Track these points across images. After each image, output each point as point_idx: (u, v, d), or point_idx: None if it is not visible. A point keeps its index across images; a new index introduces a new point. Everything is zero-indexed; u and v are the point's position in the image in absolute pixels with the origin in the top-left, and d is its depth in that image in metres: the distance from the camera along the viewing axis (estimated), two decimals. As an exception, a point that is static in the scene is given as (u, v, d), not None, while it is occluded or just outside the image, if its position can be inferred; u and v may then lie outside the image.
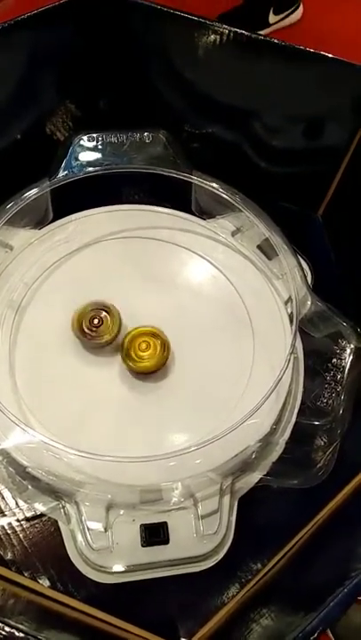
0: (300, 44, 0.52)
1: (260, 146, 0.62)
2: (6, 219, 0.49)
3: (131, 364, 0.46)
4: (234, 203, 0.50)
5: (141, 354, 0.46)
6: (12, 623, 0.29)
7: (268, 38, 0.53)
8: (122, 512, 0.42)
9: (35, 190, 0.51)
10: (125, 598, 0.43)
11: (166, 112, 0.59)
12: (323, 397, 0.43)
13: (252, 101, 0.58)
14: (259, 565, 0.45)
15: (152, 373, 0.47)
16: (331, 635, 0.60)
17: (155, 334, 0.47)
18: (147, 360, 0.46)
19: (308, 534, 0.46)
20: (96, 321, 0.47)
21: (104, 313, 0.47)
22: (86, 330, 0.47)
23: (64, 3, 0.51)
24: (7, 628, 0.29)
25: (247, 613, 0.43)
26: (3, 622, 0.29)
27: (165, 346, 0.46)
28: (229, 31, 0.52)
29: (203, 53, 0.55)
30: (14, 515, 0.45)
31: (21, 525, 0.45)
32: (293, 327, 0.45)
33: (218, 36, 0.53)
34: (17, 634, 0.29)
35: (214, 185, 0.51)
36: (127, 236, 0.56)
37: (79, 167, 0.53)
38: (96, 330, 0.47)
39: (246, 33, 0.52)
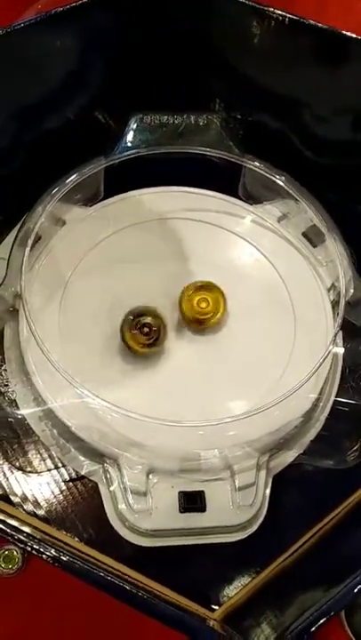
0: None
1: (308, 136, 0.62)
2: (62, 194, 0.51)
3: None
4: (283, 184, 0.51)
5: (201, 309, 0.48)
6: (58, 548, 0.31)
7: (319, 24, 0.53)
8: (161, 478, 0.44)
9: (90, 167, 0.53)
10: (159, 563, 0.44)
11: (219, 100, 0.61)
12: (367, 377, 0.44)
13: (302, 91, 0.59)
14: (290, 541, 0.46)
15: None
16: (349, 630, 0.61)
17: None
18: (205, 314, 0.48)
19: (339, 516, 0.47)
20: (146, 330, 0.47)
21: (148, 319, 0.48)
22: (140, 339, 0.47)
23: None
24: (53, 551, 0.31)
25: (278, 587, 0.44)
26: (50, 545, 0.31)
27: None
28: (284, 17, 0.53)
29: (258, 41, 0.55)
30: (57, 475, 0.47)
31: (64, 486, 0.47)
32: (339, 310, 0.46)
33: (271, 22, 0.53)
34: (62, 557, 0.31)
35: (266, 168, 0.52)
36: (174, 217, 0.57)
37: (133, 147, 0.54)
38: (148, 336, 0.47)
39: (301, 19, 0.52)
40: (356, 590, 0.36)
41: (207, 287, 0.50)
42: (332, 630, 0.60)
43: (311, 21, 0.52)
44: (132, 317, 0.48)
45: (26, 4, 0.87)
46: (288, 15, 0.51)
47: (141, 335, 0.47)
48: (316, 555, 0.45)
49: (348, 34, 0.51)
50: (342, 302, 0.47)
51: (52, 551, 0.32)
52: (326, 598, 0.36)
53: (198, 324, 0.49)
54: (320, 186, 0.64)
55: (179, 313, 0.50)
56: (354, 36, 0.51)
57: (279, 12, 0.51)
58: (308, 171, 0.64)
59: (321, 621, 0.35)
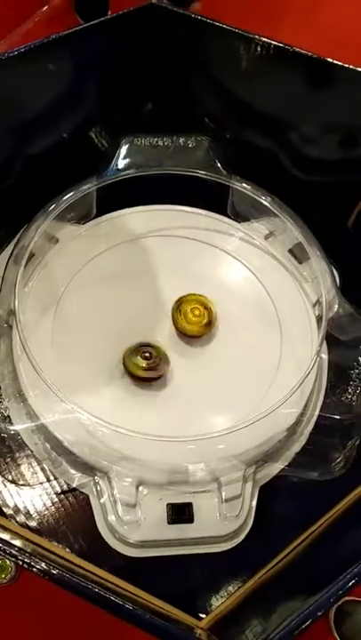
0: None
1: (295, 155, 0.65)
2: (56, 213, 0.53)
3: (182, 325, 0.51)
4: (269, 206, 0.53)
5: (194, 318, 0.51)
6: (48, 562, 0.32)
7: (305, 51, 0.55)
8: (150, 491, 0.45)
9: (83, 187, 0.54)
10: (149, 572, 0.46)
11: (207, 119, 0.63)
12: (347, 393, 0.46)
13: (290, 111, 0.61)
14: (276, 551, 0.47)
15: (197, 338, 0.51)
16: (337, 636, 0.62)
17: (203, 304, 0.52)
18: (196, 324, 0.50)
19: (324, 525, 0.48)
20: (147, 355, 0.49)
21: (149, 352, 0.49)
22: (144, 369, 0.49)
23: (112, 17, 0.55)
24: (43, 564, 0.32)
25: (263, 595, 0.45)
26: (40, 559, 0.32)
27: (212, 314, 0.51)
28: (270, 43, 0.55)
29: (246, 65, 0.58)
30: (49, 488, 0.48)
31: (55, 498, 0.48)
32: (322, 328, 0.47)
33: (259, 48, 0.56)
34: (52, 571, 0.32)
35: (251, 189, 0.53)
36: (165, 235, 0.59)
37: (124, 168, 0.56)
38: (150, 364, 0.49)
39: (286, 46, 0.54)
40: (334, 597, 0.38)
41: (198, 300, 0.52)
42: (322, 637, 0.62)
43: (295, 48, 0.54)
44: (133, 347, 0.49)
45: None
46: (273, 42, 0.53)
47: (143, 360, 0.48)
48: (301, 563, 0.46)
49: (329, 59, 0.53)
50: (325, 318, 0.48)
51: (43, 565, 0.33)
52: (306, 605, 0.38)
53: (189, 336, 0.51)
54: (308, 203, 0.66)
55: (168, 328, 0.52)
56: (334, 61, 0.53)
57: (265, 40, 0.53)
58: (296, 188, 0.66)
59: (302, 627, 0.36)
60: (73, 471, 0.47)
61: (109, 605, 0.32)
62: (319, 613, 0.37)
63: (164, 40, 0.59)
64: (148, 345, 0.49)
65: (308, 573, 0.46)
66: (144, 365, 0.48)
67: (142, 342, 0.49)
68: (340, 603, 0.61)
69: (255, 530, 0.46)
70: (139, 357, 0.48)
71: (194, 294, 0.53)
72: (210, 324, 0.51)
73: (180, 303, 0.52)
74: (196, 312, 0.51)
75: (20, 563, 0.33)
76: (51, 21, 0.96)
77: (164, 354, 0.49)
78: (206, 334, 0.51)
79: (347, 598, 0.62)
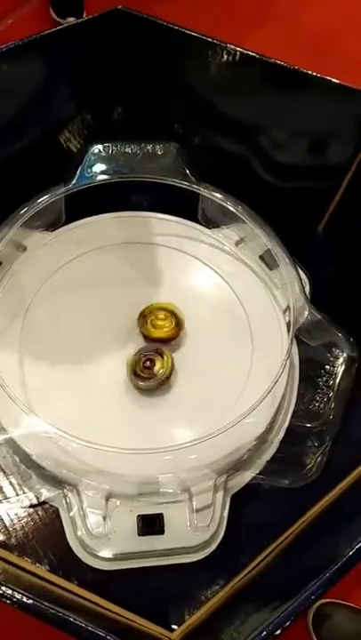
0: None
1: (266, 161, 0.65)
2: (23, 221, 0.52)
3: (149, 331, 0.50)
4: (238, 214, 0.53)
5: (160, 323, 0.50)
6: (21, 591, 0.32)
7: (274, 60, 0.56)
8: (120, 502, 0.45)
9: (50, 195, 0.54)
10: (120, 585, 0.45)
11: (178, 125, 0.62)
12: (315, 402, 0.46)
13: (260, 118, 0.61)
14: (247, 559, 0.47)
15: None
16: (315, 638, 0.62)
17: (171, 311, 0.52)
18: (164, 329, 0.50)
19: (295, 532, 0.48)
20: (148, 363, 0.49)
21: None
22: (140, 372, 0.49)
23: (84, 21, 0.54)
24: (17, 595, 0.32)
25: (235, 604, 0.45)
26: (13, 590, 0.32)
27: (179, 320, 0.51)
28: (239, 52, 0.55)
29: (214, 71, 0.58)
30: (18, 502, 0.47)
31: (25, 512, 0.47)
32: (290, 334, 0.47)
33: (229, 56, 0.56)
34: (26, 600, 0.32)
35: (220, 196, 0.53)
36: (135, 242, 0.59)
37: (93, 175, 0.55)
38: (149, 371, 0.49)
39: (255, 54, 0.55)
40: (304, 605, 0.38)
41: (162, 307, 0.52)
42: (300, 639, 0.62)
43: (261, 56, 0.54)
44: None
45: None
46: (238, 49, 0.53)
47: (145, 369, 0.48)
48: (273, 572, 0.46)
49: (296, 67, 0.54)
50: (293, 325, 0.48)
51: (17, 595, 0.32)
52: (276, 614, 0.38)
53: (158, 340, 0.51)
54: (279, 209, 0.66)
55: (137, 334, 0.52)
56: (301, 69, 0.54)
57: (231, 47, 0.53)
58: (267, 194, 0.66)
59: (274, 634, 0.36)
60: (42, 484, 0.46)
61: (70, 627, 0.32)
62: (288, 623, 0.37)
63: (132, 46, 0.58)
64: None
65: (280, 581, 0.46)
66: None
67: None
68: (317, 605, 0.62)
69: (227, 539, 0.46)
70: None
71: (158, 303, 0.52)
72: (178, 325, 0.51)
73: (144, 314, 0.52)
74: (161, 315, 0.51)
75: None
76: (26, 22, 0.95)
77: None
78: (175, 338, 0.51)
79: (325, 600, 0.62)
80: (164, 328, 0.51)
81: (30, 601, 0.32)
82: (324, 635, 0.62)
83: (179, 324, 0.51)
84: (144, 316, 0.52)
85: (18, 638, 0.55)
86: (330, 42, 0.99)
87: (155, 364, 0.48)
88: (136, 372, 0.48)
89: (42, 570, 0.45)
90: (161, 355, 0.49)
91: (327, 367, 0.46)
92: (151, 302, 0.52)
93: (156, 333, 0.50)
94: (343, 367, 0.46)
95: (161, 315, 0.51)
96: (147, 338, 0.51)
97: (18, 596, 0.31)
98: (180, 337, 0.52)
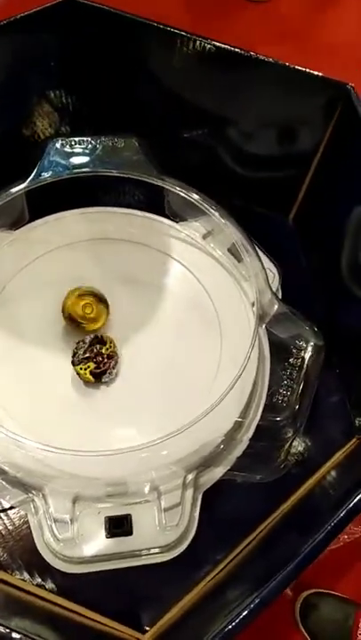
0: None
1: (233, 151, 0.64)
2: (-19, 219, 0.51)
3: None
4: (201, 206, 0.52)
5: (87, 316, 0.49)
6: None
7: (240, 50, 0.55)
8: (88, 505, 0.44)
9: (10, 191, 0.52)
10: (91, 588, 0.45)
11: (144, 117, 0.61)
12: (279, 395, 0.45)
13: (227, 108, 0.60)
14: (221, 556, 0.47)
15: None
16: (303, 630, 0.62)
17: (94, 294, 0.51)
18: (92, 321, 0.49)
19: (268, 528, 0.48)
20: (88, 310, 0.49)
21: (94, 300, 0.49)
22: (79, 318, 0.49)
23: (46, 8, 0.52)
24: None
25: (207, 602, 0.44)
26: None
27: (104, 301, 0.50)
28: (204, 42, 0.54)
29: (179, 62, 0.56)
30: (-16, 507, 0.46)
31: (-9, 517, 0.46)
32: (255, 327, 0.47)
33: (194, 47, 0.54)
34: None
35: (183, 190, 0.52)
36: (101, 237, 0.57)
37: (54, 170, 0.54)
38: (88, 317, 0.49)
39: (221, 45, 0.53)
40: (266, 601, 0.37)
41: (91, 293, 0.51)
42: (289, 630, 0.62)
43: (223, 45, 0.53)
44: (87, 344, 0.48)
45: None
46: (195, 37, 0.52)
47: (93, 363, 0.47)
48: (246, 567, 0.46)
49: (256, 54, 0.52)
50: (256, 317, 0.48)
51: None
52: (237, 610, 0.37)
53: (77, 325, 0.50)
54: (248, 199, 0.65)
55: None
56: (264, 57, 0.53)
57: (196, 38, 0.52)
58: (236, 185, 0.65)
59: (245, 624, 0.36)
60: (8, 489, 0.45)
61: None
62: (255, 615, 0.37)
63: (92, 36, 0.57)
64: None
65: (253, 577, 0.45)
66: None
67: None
68: (305, 595, 0.61)
69: (198, 537, 0.45)
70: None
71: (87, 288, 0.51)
72: (100, 316, 0.50)
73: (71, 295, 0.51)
74: (88, 310, 0.50)
75: None
76: None
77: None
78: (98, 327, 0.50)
79: (312, 591, 0.62)
80: (90, 317, 0.50)
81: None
82: (311, 625, 0.62)
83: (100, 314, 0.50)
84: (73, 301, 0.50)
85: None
86: (300, 28, 0.98)
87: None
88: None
89: (9, 576, 0.44)
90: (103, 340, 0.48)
91: (291, 360, 0.46)
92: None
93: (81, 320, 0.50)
94: (309, 356, 0.46)
95: (88, 306, 0.50)
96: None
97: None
98: (148, 330, 0.51)
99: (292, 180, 0.63)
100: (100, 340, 0.48)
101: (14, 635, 0.32)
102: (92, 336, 0.48)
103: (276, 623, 0.62)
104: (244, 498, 0.49)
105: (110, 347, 0.48)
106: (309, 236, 0.64)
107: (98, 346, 0.47)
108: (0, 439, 0.43)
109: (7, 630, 0.32)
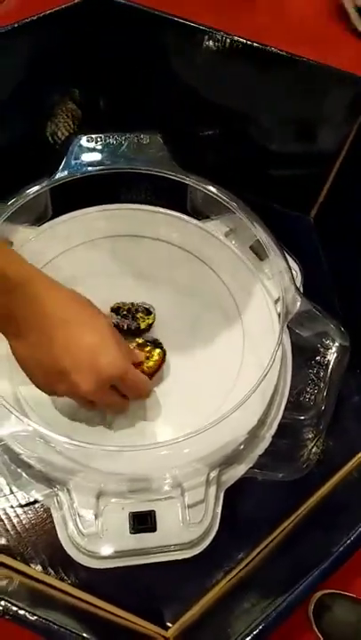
0: None
1: (255, 149, 0.64)
2: (6, 215, 0.51)
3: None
4: (226, 204, 0.52)
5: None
6: (8, 599, 0.31)
7: (264, 46, 0.54)
8: (112, 500, 0.44)
9: (35, 188, 0.52)
10: (112, 583, 0.45)
11: (165, 114, 0.61)
12: (305, 393, 0.45)
13: (249, 105, 0.60)
14: (242, 555, 0.46)
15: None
16: (317, 630, 0.62)
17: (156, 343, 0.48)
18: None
19: (291, 526, 0.48)
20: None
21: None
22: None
23: (66, 7, 0.53)
24: (3, 602, 0.31)
25: (230, 600, 0.44)
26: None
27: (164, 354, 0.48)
28: (227, 37, 0.53)
29: (201, 58, 0.56)
30: (8, 501, 0.47)
31: (15, 512, 0.46)
32: (281, 326, 0.46)
33: (216, 42, 0.54)
34: (13, 608, 0.31)
35: (209, 187, 0.52)
36: (124, 234, 0.57)
37: (78, 167, 0.54)
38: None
39: (243, 40, 0.53)
40: (298, 600, 0.37)
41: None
42: (302, 631, 0.62)
43: (247, 41, 0.53)
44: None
45: None
46: (220, 33, 0.52)
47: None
48: (269, 566, 0.46)
49: (280, 50, 0.52)
50: (283, 316, 0.47)
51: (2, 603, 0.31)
52: (274, 606, 0.37)
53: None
54: (269, 197, 0.65)
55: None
56: (285, 52, 0.52)
57: (218, 33, 0.52)
58: (257, 183, 0.65)
59: (272, 627, 0.36)
60: (33, 484, 0.46)
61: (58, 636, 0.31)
62: (285, 616, 0.37)
63: (114, 34, 0.57)
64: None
65: (277, 575, 0.45)
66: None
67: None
68: (318, 596, 0.61)
69: (221, 534, 0.45)
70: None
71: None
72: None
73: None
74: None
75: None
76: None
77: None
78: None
79: (326, 591, 0.62)
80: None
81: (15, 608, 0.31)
82: (325, 625, 0.61)
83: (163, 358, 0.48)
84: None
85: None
86: (319, 27, 0.97)
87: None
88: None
89: (33, 570, 0.44)
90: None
91: (318, 358, 0.45)
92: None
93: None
94: (335, 357, 0.45)
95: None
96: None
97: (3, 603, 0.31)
98: (169, 328, 0.51)
99: (315, 179, 0.63)
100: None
101: (40, 622, 0.32)
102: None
103: (290, 622, 0.62)
104: (265, 496, 0.48)
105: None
106: (331, 234, 0.64)
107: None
108: (26, 433, 0.43)
109: (35, 617, 0.32)
